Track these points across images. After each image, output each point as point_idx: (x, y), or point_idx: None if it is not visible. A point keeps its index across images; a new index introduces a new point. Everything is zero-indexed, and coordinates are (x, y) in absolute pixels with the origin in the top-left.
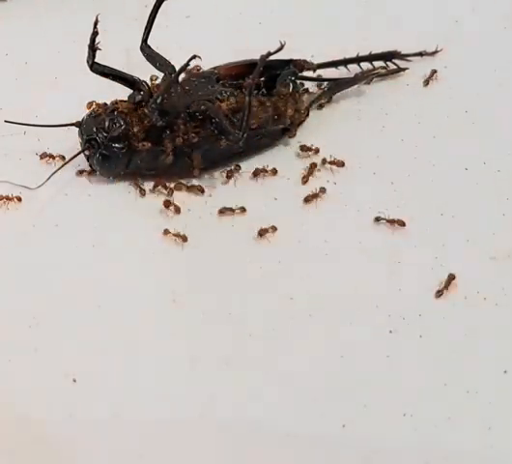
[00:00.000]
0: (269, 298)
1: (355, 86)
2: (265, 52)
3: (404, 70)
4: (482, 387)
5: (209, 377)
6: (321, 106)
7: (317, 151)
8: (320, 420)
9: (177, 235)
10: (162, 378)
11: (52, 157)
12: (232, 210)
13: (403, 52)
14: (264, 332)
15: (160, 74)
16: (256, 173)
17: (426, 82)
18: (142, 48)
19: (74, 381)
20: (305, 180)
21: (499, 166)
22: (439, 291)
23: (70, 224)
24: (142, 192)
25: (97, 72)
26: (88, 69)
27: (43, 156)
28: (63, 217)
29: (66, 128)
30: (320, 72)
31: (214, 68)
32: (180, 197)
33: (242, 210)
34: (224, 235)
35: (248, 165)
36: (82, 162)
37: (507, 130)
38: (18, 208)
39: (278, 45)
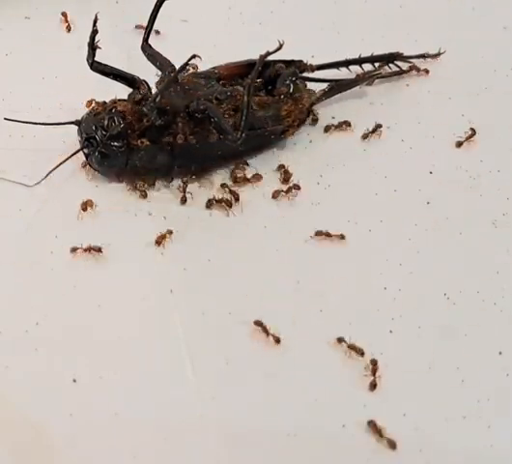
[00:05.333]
0: (269, 298)
1: (357, 87)
2: (264, 52)
3: (406, 71)
4: (482, 387)
5: (209, 377)
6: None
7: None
8: (320, 420)
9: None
10: (162, 378)
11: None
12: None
13: (405, 54)
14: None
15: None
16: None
17: (365, 136)
18: (143, 48)
19: (74, 381)
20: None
21: (499, 166)
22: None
23: (67, 222)
24: (143, 195)
25: (96, 71)
26: (88, 67)
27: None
28: (60, 215)
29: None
30: (321, 72)
31: (214, 68)
32: (177, 197)
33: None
34: (224, 235)
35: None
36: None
37: (507, 130)
38: (15, 206)
39: (277, 45)
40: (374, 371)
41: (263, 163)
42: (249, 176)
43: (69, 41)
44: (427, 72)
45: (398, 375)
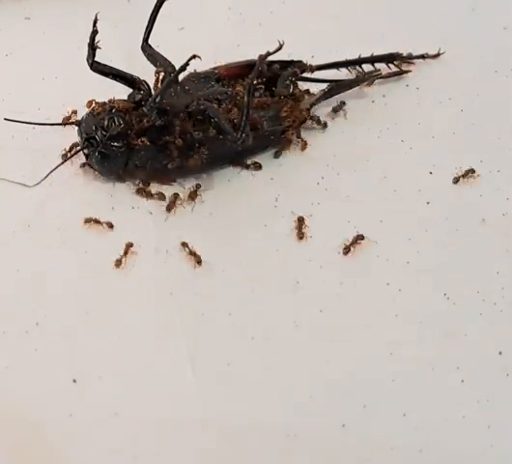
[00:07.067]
0: (269, 298)
1: (357, 87)
2: (264, 52)
3: (406, 72)
4: (482, 387)
5: (209, 377)
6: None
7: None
8: (320, 420)
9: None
10: (162, 378)
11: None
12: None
13: (404, 54)
14: (264, 332)
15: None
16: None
17: None
18: (143, 48)
19: (74, 381)
20: None
21: (499, 166)
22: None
23: (67, 223)
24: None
25: (96, 71)
26: (88, 67)
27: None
28: (60, 216)
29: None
30: (321, 73)
31: (214, 68)
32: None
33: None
34: (224, 235)
35: None
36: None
37: (507, 130)
38: (15, 206)
39: (277, 46)
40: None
41: (263, 163)
42: None
43: (69, 41)
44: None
45: (398, 375)
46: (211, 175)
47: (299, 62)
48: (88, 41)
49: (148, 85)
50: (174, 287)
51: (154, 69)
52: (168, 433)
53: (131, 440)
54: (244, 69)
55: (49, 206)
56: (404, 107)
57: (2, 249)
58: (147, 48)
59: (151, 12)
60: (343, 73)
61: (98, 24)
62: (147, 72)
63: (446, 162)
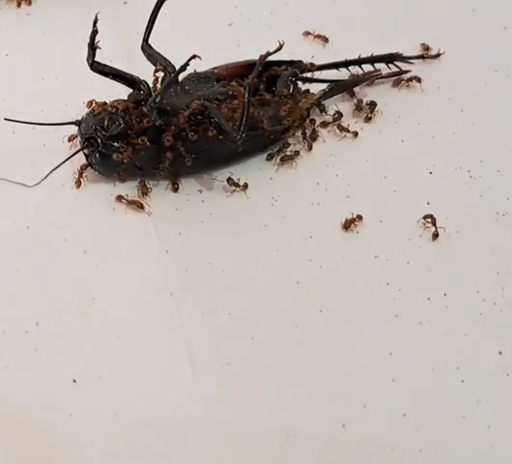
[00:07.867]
0: (269, 298)
1: (357, 87)
2: (264, 52)
3: (406, 72)
4: (482, 387)
5: (209, 377)
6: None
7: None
8: (320, 420)
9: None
10: (162, 378)
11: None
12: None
13: (405, 54)
14: (264, 332)
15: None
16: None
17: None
18: (143, 48)
19: (74, 381)
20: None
21: (499, 166)
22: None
23: (67, 223)
24: (144, 191)
25: (96, 71)
26: (88, 67)
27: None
28: (60, 216)
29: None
30: (321, 73)
31: (214, 68)
32: (177, 197)
33: None
34: (224, 235)
35: (248, 165)
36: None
37: (507, 130)
38: (16, 206)
39: (277, 46)
40: (434, 222)
41: (263, 163)
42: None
43: (69, 41)
44: (419, 80)
45: (398, 375)
46: (210, 175)
47: (299, 62)
48: (88, 41)
49: (148, 85)
50: (174, 287)
51: (154, 69)
52: (168, 433)
53: (131, 440)
54: (244, 69)
55: (49, 206)
56: (404, 107)
57: (2, 249)
58: (147, 48)
59: (151, 12)
60: (343, 73)
61: (98, 24)
62: (147, 72)
63: (446, 162)
